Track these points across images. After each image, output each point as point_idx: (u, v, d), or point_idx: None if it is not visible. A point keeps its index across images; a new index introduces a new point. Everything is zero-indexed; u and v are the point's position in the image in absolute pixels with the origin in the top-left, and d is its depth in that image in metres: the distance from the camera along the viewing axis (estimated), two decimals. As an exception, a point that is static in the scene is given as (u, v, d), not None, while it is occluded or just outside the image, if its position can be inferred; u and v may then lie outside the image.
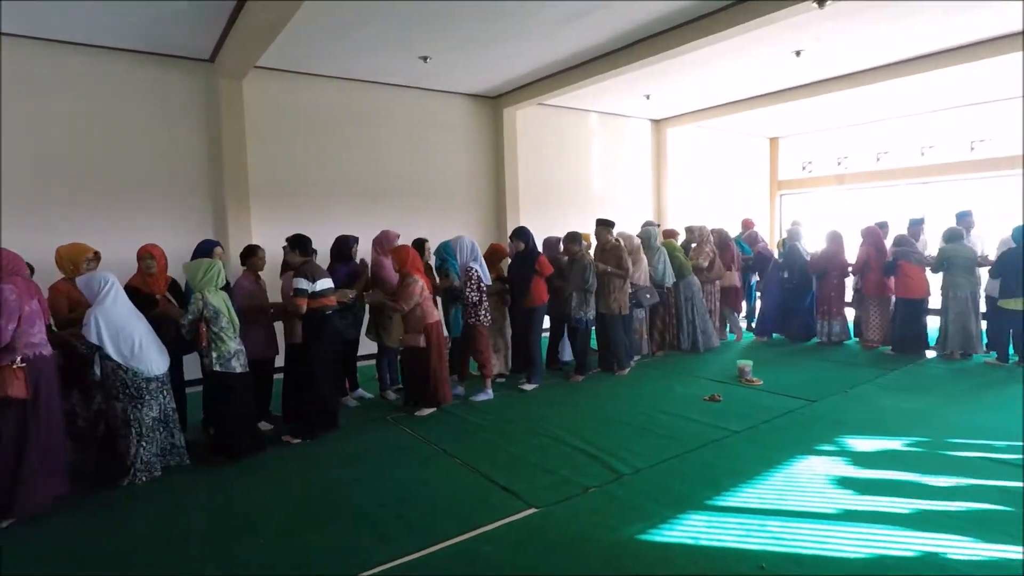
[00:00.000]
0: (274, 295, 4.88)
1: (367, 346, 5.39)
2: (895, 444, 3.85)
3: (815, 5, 4.61)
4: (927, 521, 2.83)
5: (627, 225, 7.96)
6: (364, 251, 5.33)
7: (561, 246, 5.85)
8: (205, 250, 4.40)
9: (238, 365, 3.87)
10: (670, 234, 7.21)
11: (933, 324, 6.49)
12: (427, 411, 4.71)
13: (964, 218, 6.44)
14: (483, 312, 4.94)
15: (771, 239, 10.80)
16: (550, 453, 3.84)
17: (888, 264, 6.41)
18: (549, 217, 8.10)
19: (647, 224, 6.98)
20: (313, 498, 3.31)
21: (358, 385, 5.37)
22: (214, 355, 3.78)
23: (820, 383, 5.34)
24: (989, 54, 6.21)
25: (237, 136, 6.00)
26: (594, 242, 6.15)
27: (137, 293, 3.98)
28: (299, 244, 4.43)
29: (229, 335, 3.82)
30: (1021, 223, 5.82)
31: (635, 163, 9.61)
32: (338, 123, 6.81)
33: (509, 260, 5.73)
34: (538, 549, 2.70)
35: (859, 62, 6.87)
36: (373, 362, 5.52)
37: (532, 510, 3.06)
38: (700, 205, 10.18)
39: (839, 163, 10.77)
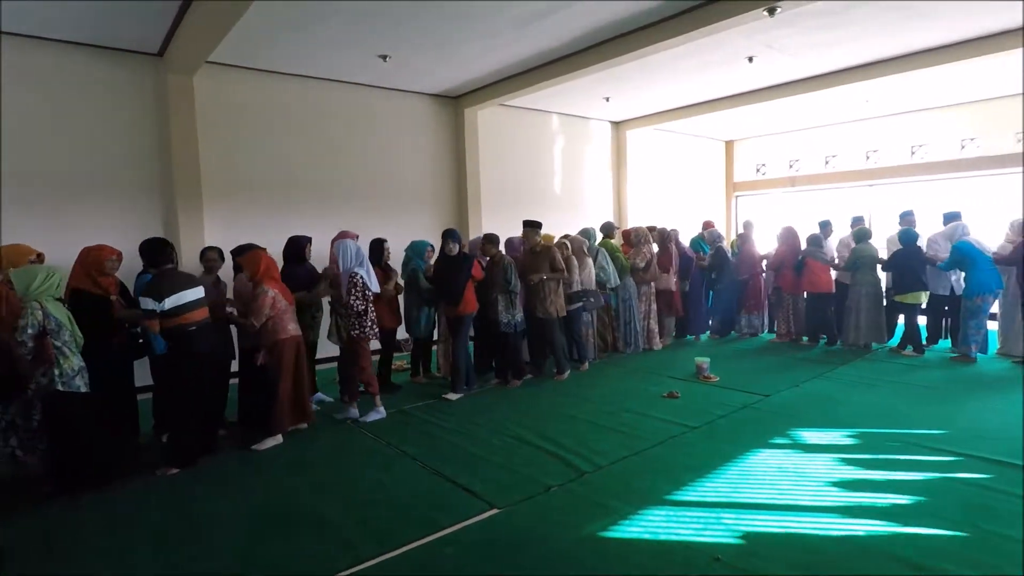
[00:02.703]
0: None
1: (328, 348, 5.29)
2: (846, 436, 4.02)
3: (766, 13, 4.78)
4: (878, 511, 2.96)
5: (589, 225, 8.07)
6: (322, 252, 5.24)
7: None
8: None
9: (82, 384, 3.39)
10: (625, 235, 7.32)
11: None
12: (269, 443, 4.07)
13: (906, 217, 6.77)
14: (368, 323, 4.47)
15: (728, 239, 11.09)
16: (512, 453, 3.85)
17: (797, 263, 6.90)
18: (511, 217, 8.08)
19: (604, 226, 7.08)
20: (272, 505, 3.23)
21: (317, 388, 5.27)
22: (55, 373, 3.27)
23: (774, 378, 5.53)
24: (929, 63, 6.54)
25: (188, 134, 5.80)
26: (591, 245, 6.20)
27: (87, 295, 3.80)
28: (147, 254, 3.77)
29: (72, 350, 3.35)
30: (908, 226, 6.46)
31: (596, 164, 9.74)
32: (296, 121, 6.67)
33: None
34: (500, 549, 2.71)
35: (808, 69, 7.14)
36: (335, 364, 5.42)
37: (494, 510, 3.06)
38: (659, 206, 10.39)
39: (791, 166, 11.18)
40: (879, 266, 6.58)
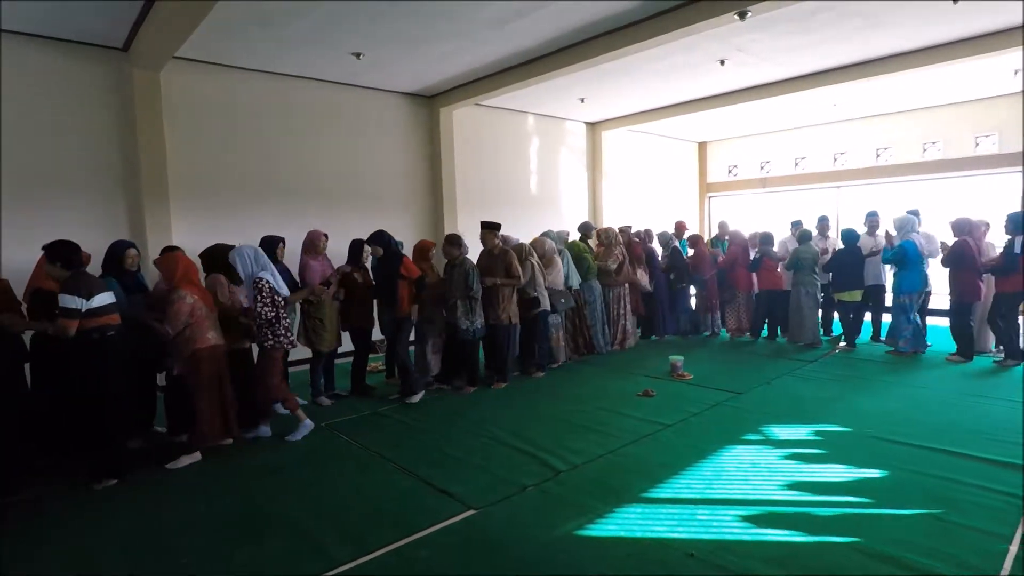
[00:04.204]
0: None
1: (300, 351, 5.20)
2: (815, 431, 4.11)
3: (736, 17, 4.86)
4: (847, 504, 3.03)
5: (566, 226, 8.11)
6: (296, 252, 5.16)
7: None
8: (117, 252, 4.10)
9: None
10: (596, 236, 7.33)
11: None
12: (185, 460, 3.79)
13: (871, 218, 6.98)
14: (282, 331, 4.10)
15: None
16: (488, 454, 3.84)
17: (754, 260, 7.17)
18: (487, 217, 8.06)
19: (582, 226, 7.10)
20: (244, 511, 3.16)
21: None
22: None
23: (746, 376, 5.62)
24: (893, 69, 6.74)
25: (154, 131, 5.64)
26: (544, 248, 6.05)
27: (50, 296, 3.66)
28: (60, 255, 3.41)
29: None
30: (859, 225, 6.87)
31: (571, 165, 9.78)
32: (267, 119, 6.54)
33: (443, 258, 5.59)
34: (476, 550, 2.69)
35: (777, 72, 7.28)
36: (306, 367, 5.34)
37: (470, 511, 3.04)
38: (634, 206, 10.49)
39: (762, 167, 11.41)
40: (820, 266, 6.88)
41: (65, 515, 3.17)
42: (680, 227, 8.26)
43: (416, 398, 5.04)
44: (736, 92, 8.10)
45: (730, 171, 11.89)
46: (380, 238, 5.04)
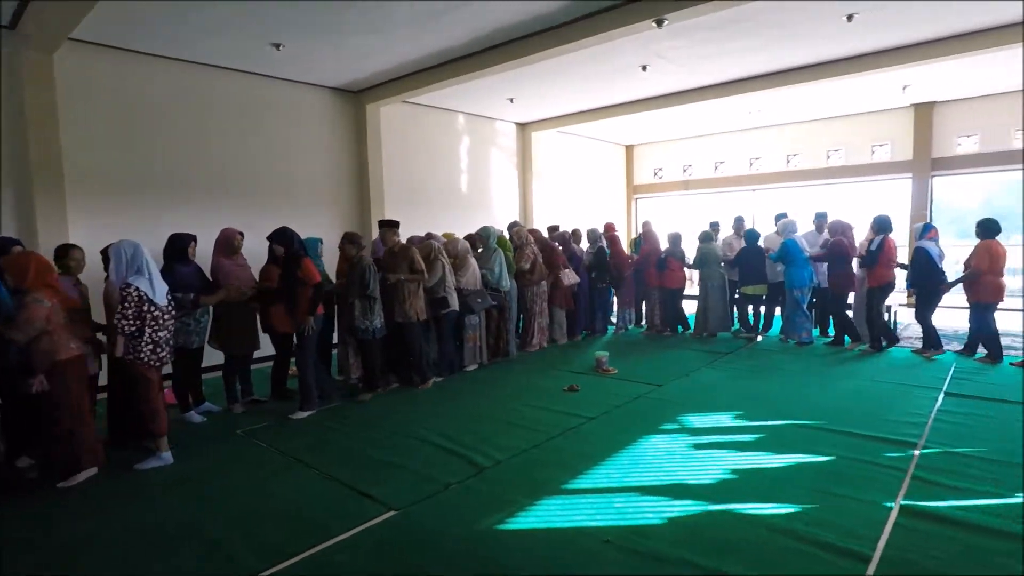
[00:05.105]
0: (96, 303, 4.25)
1: (213, 356, 4.94)
2: (725, 418, 4.34)
3: (654, 25, 5.06)
4: (751, 484, 3.22)
5: (497, 225, 8.13)
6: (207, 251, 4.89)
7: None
8: (1, 249, 3.73)
9: None
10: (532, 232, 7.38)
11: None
12: (81, 476, 3.51)
13: (780, 219, 7.45)
14: (146, 347, 3.59)
15: (627, 239, 11.64)
16: (412, 454, 3.79)
17: (659, 260, 7.60)
18: (416, 217, 8.00)
19: (511, 225, 7.12)
20: (150, 525, 2.96)
21: (204, 399, 4.90)
22: None
23: (667, 369, 5.85)
24: (798, 80, 7.25)
25: (46, 118, 5.18)
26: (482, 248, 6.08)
27: None
28: None
29: None
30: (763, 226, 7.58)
31: (502, 164, 9.84)
32: (180, 110, 6.16)
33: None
34: (396, 551, 2.65)
35: (696, 80, 7.63)
36: (219, 374, 5.07)
37: (391, 512, 3.00)
38: (564, 207, 10.69)
39: (684, 170, 11.93)
40: (725, 263, 7.39)
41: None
42: (609, 228, 8.46)
43: (300, 415, 4.65)
44: (658, 97, 8.43)
45: (655, 173, 12.36)
46: (281, 236, 4.63)
